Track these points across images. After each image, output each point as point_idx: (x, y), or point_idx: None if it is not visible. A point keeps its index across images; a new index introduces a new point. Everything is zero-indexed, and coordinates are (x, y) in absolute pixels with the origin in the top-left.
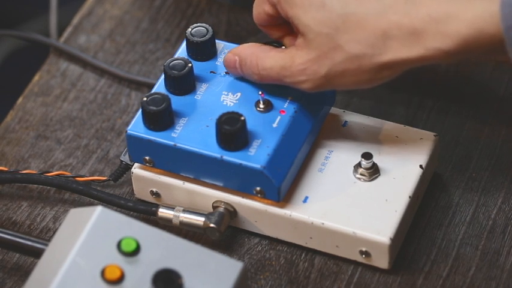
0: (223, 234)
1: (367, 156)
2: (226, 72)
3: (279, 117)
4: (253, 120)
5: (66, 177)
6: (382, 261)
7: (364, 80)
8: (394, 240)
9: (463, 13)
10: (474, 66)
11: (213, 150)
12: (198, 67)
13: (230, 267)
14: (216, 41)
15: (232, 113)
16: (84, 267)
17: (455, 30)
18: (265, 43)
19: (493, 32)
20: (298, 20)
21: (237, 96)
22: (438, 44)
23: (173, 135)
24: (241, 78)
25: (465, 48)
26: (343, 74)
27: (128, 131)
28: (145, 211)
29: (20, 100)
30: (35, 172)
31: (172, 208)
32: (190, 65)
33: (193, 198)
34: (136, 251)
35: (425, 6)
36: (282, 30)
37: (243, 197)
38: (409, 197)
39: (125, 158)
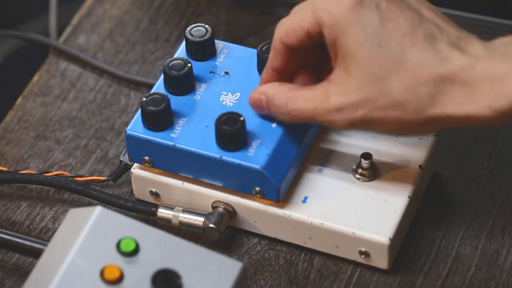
0: (223, 234)
1: (366, 156)
2: (226, 72)
3: None
4: (252, 120)
5: (65, 177)
6: (381, 261)
7: (403, 130)
8: (394, 240)
9: None
10: None
11: (213, 151)
12: (198, 67)
13: (229, 268)
14: (216, 40)
15: (232, 113)
16: (84, 267)
17: (510, 88)
18: (265, 45)
19: None
20: (347, 51)
21: (236, 96)
22: (491, 103)
23: (172, 135)
24: (241, 78)
25: None
26: (382, 119)
27: (127, 131)
28: (144, 211)
29: (19, 100)
30: (34, 172)
31: (171, 208)
32: (189, 65)
33: (192, 198)
34: (135, 251)
35: (481, 63)
36: (310, 55)
37: (242, 197)
38: (409, 197)
39: (124, 158)
